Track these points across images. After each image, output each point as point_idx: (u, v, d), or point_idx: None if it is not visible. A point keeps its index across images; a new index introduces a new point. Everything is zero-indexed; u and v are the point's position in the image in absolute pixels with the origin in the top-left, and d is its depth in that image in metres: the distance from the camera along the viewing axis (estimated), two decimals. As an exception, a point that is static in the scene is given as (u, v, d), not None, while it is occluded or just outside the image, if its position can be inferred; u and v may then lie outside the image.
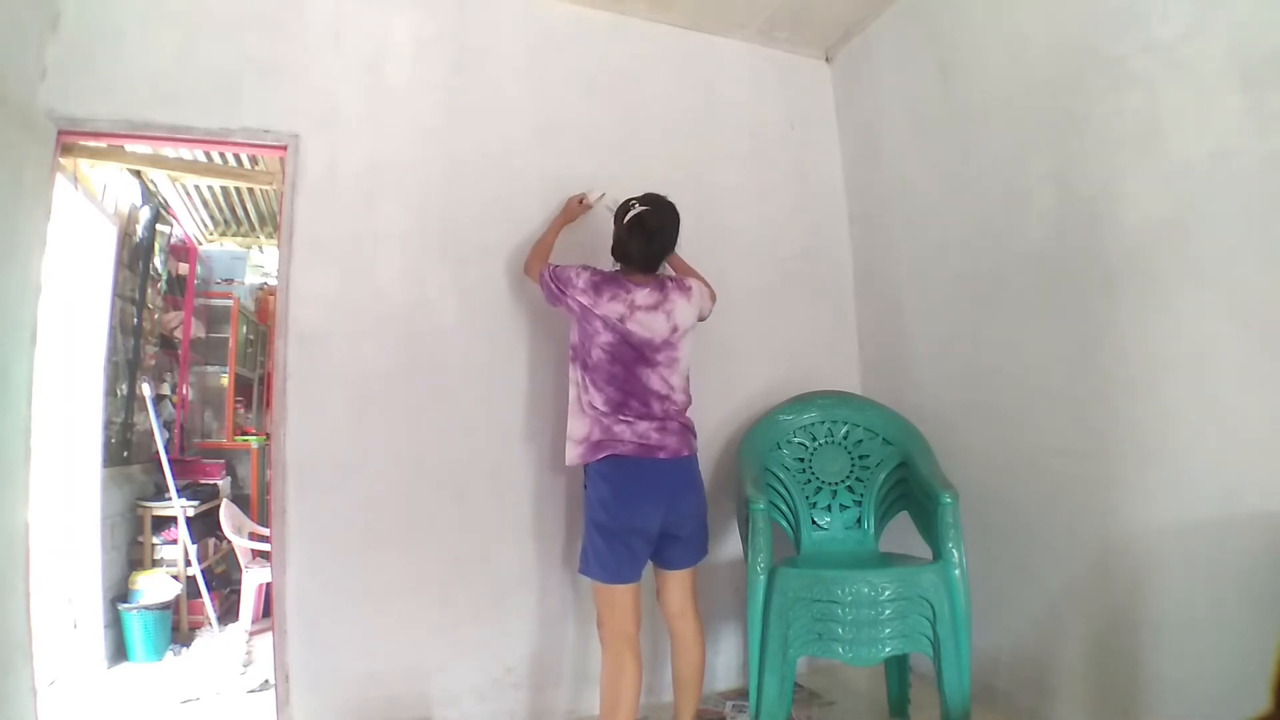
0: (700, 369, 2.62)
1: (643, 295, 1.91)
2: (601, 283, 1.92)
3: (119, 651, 3.10)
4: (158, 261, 3.82)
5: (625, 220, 1.95)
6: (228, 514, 3.55)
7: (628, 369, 1.86)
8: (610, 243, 2.04)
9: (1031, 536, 2.11)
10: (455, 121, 2.43)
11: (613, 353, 1.87)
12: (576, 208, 2.30)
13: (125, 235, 3.35)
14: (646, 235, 1.93)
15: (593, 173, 2.58)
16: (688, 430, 1.93)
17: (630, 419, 1.84)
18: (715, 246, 2.72)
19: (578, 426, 1.90)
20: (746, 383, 2.70)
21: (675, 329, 1.91)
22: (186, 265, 4.32)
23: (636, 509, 1.82)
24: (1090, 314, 1.95)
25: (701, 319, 2.05)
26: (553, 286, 1.99)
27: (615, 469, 1.83)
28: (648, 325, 1.89)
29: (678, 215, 1.99)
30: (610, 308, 1.88)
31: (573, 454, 1.91)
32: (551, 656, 2.31)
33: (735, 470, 2.32)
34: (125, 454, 3.39)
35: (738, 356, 2.68)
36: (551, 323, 2.45)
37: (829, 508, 2.29)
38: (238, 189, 4.20)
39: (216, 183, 3.98)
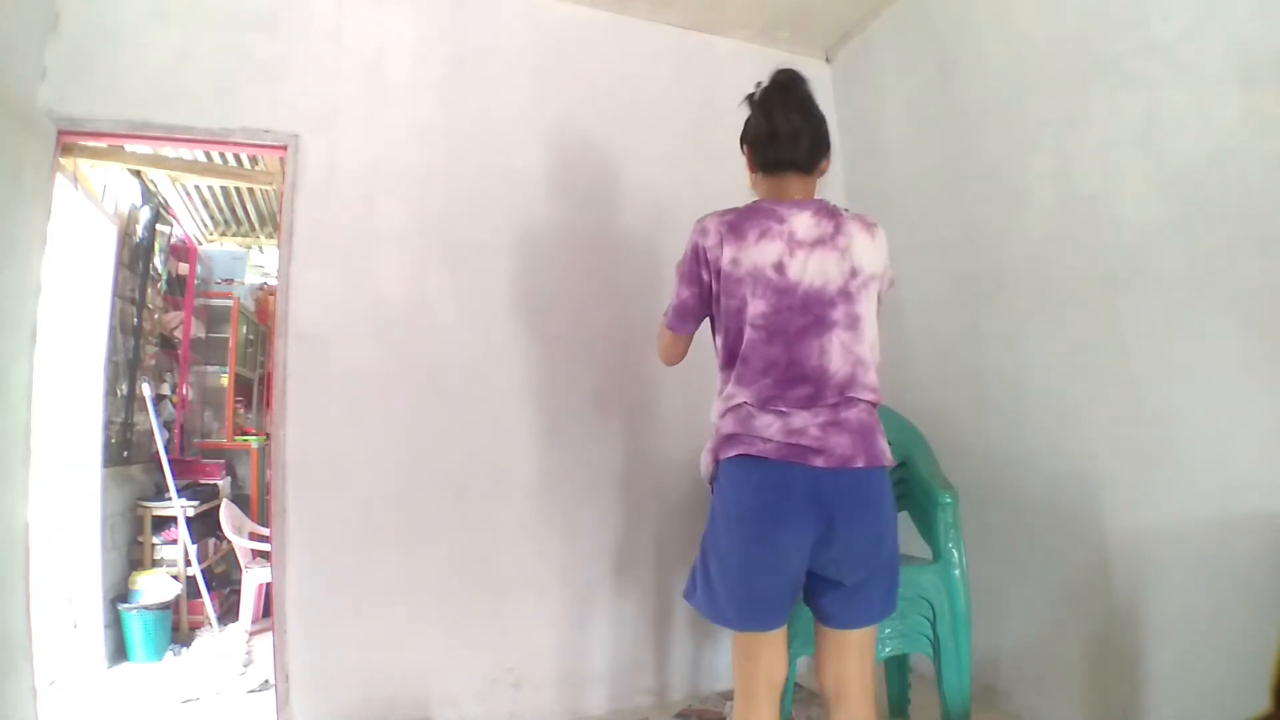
0: (700, 369, 2.62)
1: (804, 223, 1.31)
2: (739, 220, 1.33)
3: (119, 651, 3.10)
4: (158, 261, 3.82)
5: (762, 95, 1.40)
6: (228, 514, 3.55)
7: (790, 344, 1.28)
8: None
9: (1031, 536, 2.11)
10: (455, 121, 2.43)
11: (769, 326, 1.29)
12: None
13: (125, 235, 3.35)
14: (787, 100, 1.37)
15: (593, 173, 2.59)
16: (871, 430, 1.30)
17: (785, 409, 1.27)
18: (715, 246, 2.72)
19: (716, 411, 1.37)
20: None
21: (854, 272, 1.31)
22: (186, 265, 4.32)
23: (768, 536, 1.25)
24: (1090, 314, 1.95)
25: (890, 281, 1.41)
26: (684, 293, 1.42)
27: (746, 474, 1.27)
28: (816, 268, 1.29)
29: None
30: (760, 252, 1.30)
31: (705, 461, 1.38)
32: (551, 656, 2.31)
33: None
34: (125, 454, 3.39)
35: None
36: (550, 323, 2.45)
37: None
38: (238, 189, 4.20)
39: (216, 183, 3.98)
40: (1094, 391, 1.94)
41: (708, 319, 1.44)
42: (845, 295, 1.30)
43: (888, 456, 1.31)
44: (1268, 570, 1.52)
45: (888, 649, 1.81)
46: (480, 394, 2.34)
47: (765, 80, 1.40)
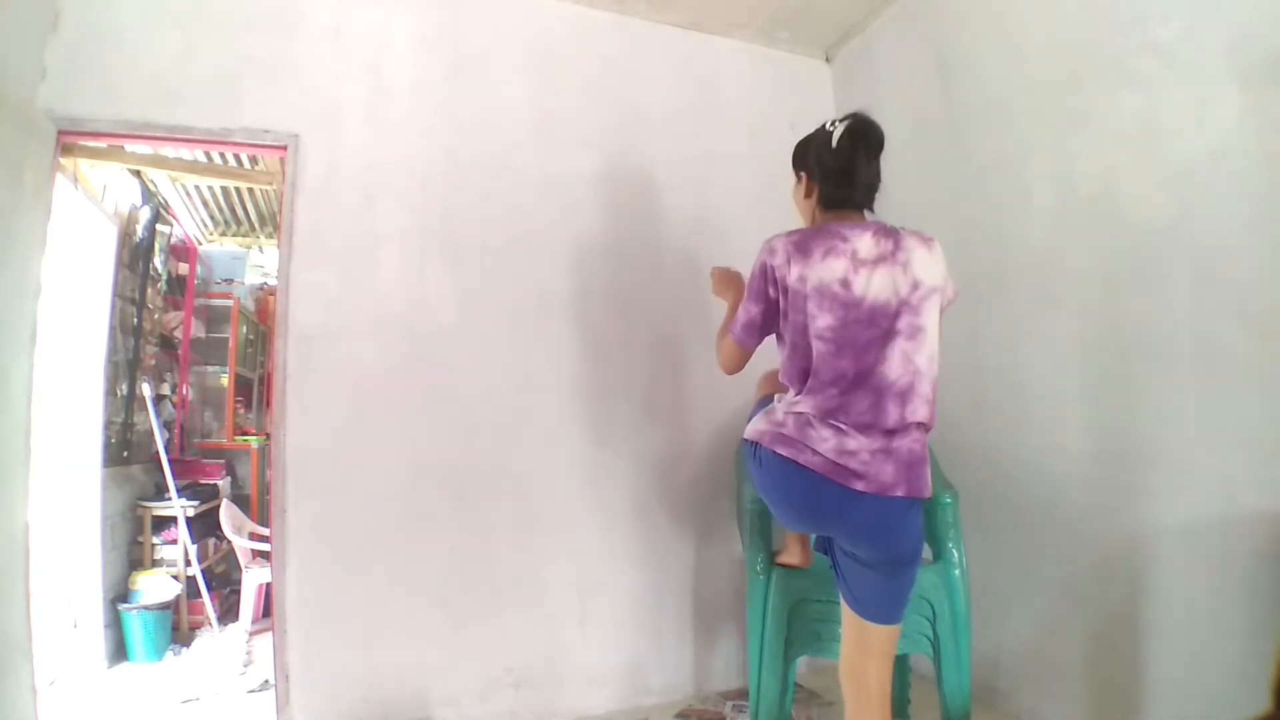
0: (701, 369, 2.63)
1: (866, 243, 1.39)
2: (805, 240, 1.41)
3: (119, 651, 3.10)
4: (158, 261, 3.82)
5: (836, 138, 1.44)
6: (228, 514, 3.55)
7: (858, 356, 1.34)
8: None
9: (1031, 536, 2.11)
10: (455, 121, 2.43)
11: (838, 339, 1.35)
12: (726, 278, 1.79)
13: (125, 235, 3.35)
14: (869, 149, 1.44)
15: (593, 173, 2.59)
16: (920, 463, 1.36)
17: (844, 426, 1.34)
18: (715, 247, 2.72)
19: (776, 415, 1.44)
20: (746, 382, 2.69)
21: (916, 285, 1.37)
22: (186, 265, 4.32)
23: (795, 521, 1.52)
24: (1090, 314, 1.95)
25: (947, 298, 1.44)
26: (753, 309, 1.48)
27: (786, 476, 1.39)
28: (880, 284, 1.36)
29: None
30: (826, 269, 1.36)
31: (752, 428, 1.49)
32: (551, 656, 2.31)
33: (735, 471, 2.32)
34: (125, 454, 3.39)
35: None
36: (550, 323, 2.45)
37: (829, 508, 2.28)
38: (238, 189, 4.20)
39: (216, 183, 3.98)
40: (1094, 391, 1.94)
41: (774, 326, 1.50)
42: (909, 307, 1.36)
43: (928, 489, 1.38)
44: (1267, 570, 1.52)
45: (888, 649, 1.80)
46: (480, 394, 2.34)
47: (845, 121, 1.46)
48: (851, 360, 1.35)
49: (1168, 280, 1.75)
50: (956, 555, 1.86)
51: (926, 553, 1.96)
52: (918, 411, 1.34)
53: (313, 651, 2.06)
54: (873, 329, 1.35)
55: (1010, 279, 2.21)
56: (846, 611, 1.47)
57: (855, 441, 1.33)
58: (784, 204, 2.67)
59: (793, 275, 1.39)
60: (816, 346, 1.37)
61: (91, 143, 2.56)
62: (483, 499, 2.30)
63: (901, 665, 2.14)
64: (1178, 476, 1.73)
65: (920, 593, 1.82)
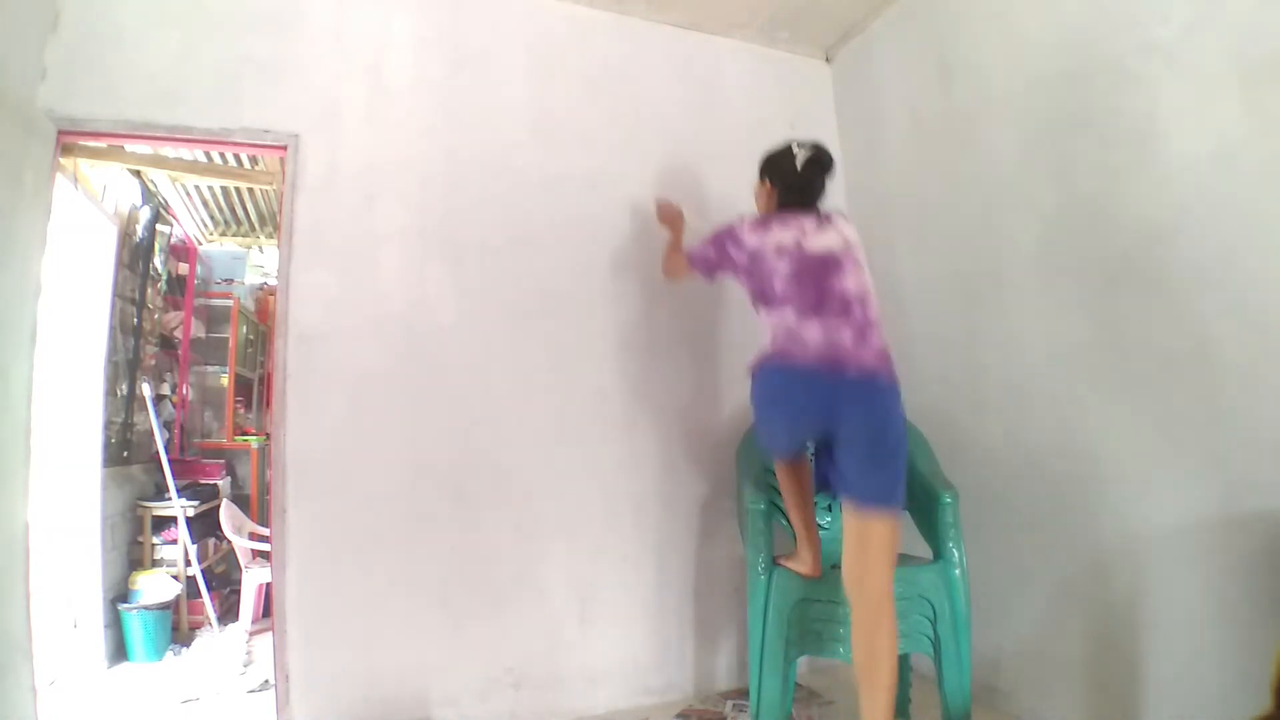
0: (701, 369, 2.64)
1: (809, 222, 1.87)
2: (765, 219, 1.92)
3: (119, 651, 3.10)
4: (158, 261, 3.82)
5: (799, 162, 1.93)
6: (228, 514, 3.55)
7: (819, 281, 1.77)
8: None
9: (1031, 536, 2.11)
10: (455, 121, 2.43)
11: (797, 275, 1.79)
12: (670, 210, 2.34)
13: (125, 235, 3.35)
14: (823, 170, 1.95)
15: (593, 172, 2.59)
16: (887, 357, 1.73)
17: (825, 317, 1.72)
18: (715, 246, 2.72)
19: (768, 329, 1.84)
20: (747, 382, 2.70)
21: (848, 243, 1.84)
22: (186, 265, 4.32)
23: (790, 416, 1.78)
24: (1090, 314, 1.95)
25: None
26: (710, 253, 1.98)
27: (787, 377, 1.75)
28: (822, 240, 1.83)
29: None
30: (782, 235, 1.84)
31: (753, 361, 1.87)
32: (551, 656, 2.31)
33: (735, 471, 2.32)
34: (125, 454, 3.39)
35: (738, 356, 2.68)
36: (550, 323, 2.45)
37: (829, 508, 2.29)
38: (238, 189, 4.20)
39: (216, 183, 3.98)
40: (1094, 391, 1.94)
41: (729, 272, 1.98)
42: (848, 254, 1.83)
43: (897, 380, 1.73)
44: (1268, 570, 1.52)
45: (888, 649, 1.80)
46: (480, 394, 2.34)
47: (806, 149, 1.94)
48: (813, 284, 1.77)
49: (1168, 280, 1.75)
50: (957, 555, 1.87)
51: (927, 552, 1.97)
52: (874, 318, 1.75)
53: (313, 651, 2.06)
54: (824, 265, 1.79)
55: (1010, 279, 2.21)
56: (847, 516, 1.69)
57: (840, 329, 1.71)
58: (784, 204, 2.70)
59: (755, 240, 1.87)
60: (780, 285, 1.80)
61: (91, 143, 2.56)
62: (483, 499, 2.30)
63: (902, 665, 2.14)
64: (1178, 476, 1.73)
65: (921, 592, 1.83)
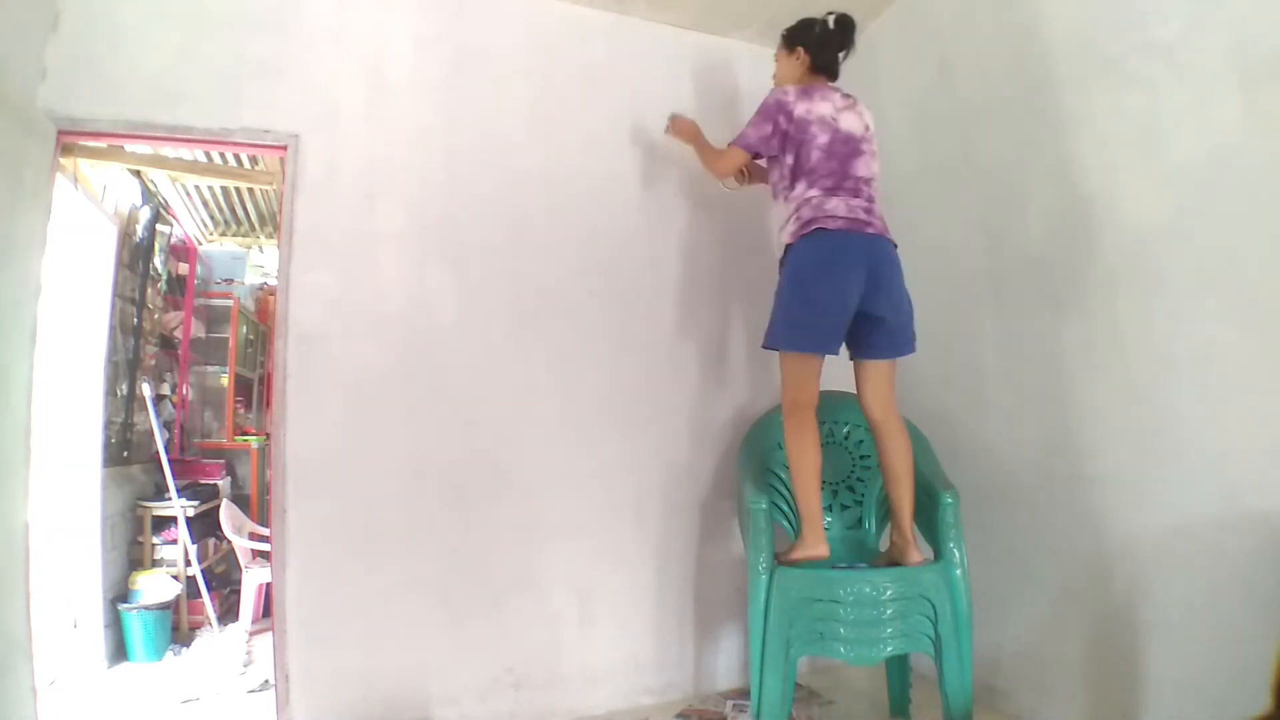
0: (701, 368, 2.64)
1: (838, 98, 2.07)
2: (808, 89, 2.06)
3: (119, 651, 3.11)
4: (158, 261, 3.82)
5: (832, 25, 2.12)
6: (228, 514, 3.55)
7: (843, 162, 1.98)
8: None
9: (1031, 536, 2.11)
10: (455, 121, 2.43)
11: (829, 149, 1.98)
12: (685, 124, 2.40)
13: (125, 235, 3.35)
14: (852, 30, 2.12)
15: (593, 172, 2.59)
16: (886, 225, 2.00)
17: (846, 195, 1.95)
18: (715, 245, 2.72)
19: (785, 213, 2.02)
20: (747, 382, 2.70)
21: (868, 127, 2.08)
22: (186, 265, 4.32)
23: (839, 277, 1.88)
24: (1090, 314, 1.95)
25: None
26: (767, 129, 2.03)
27: (822, 240, 1.91)
28: (849, 121, 2.04)
29: None
30: (822, 107, 2.02)
31: (782, 239, 2.03)
32: (551, 656, 2.31)
33: (735, 470, 2.32)
34: (125, 454, 3.39)
35: (738, 356, 2.69)
36: (550, 323, 2.45)
37: (830, 508, 2.29)
38: (238, 189, 4.20)
39: (216, 183, 3.98)
40: (1094, 391, 1.94)
41: (776, 143, 2.06)
42: (865, 139, 2.06)
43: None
44: (1267, 570, 1.52)
45: (889, 648, 1.81)
46: (480, 394, 2.34)
47: (834, 15, 2.13)
48: (838, 163, 1.98)
49: (1168, 280, 1.75)
50: (957, 555, 1.86)
51: (927, 552, 1.97)
52: (875, 196, 2.02)
53: (313, 651, 2.06)
54: (848, 146, 2.01)
55: (1010, 279, 2.21)
56: (865, 367, 2.01)
57: (858, 201, 1.95)
58: (784, 204, 2.70)
59: (802, 109, 2.01)
60: (814, 155, 1.98)
61: (91, 143, 2.56)
62: (483, 499, 2.30)
63: (902, 665, 2.14)
64: (1177, 476, 1.73)
65: (921, 592, 1.82)
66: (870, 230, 1.92)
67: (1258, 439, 1.57)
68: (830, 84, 2.13)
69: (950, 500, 1.91)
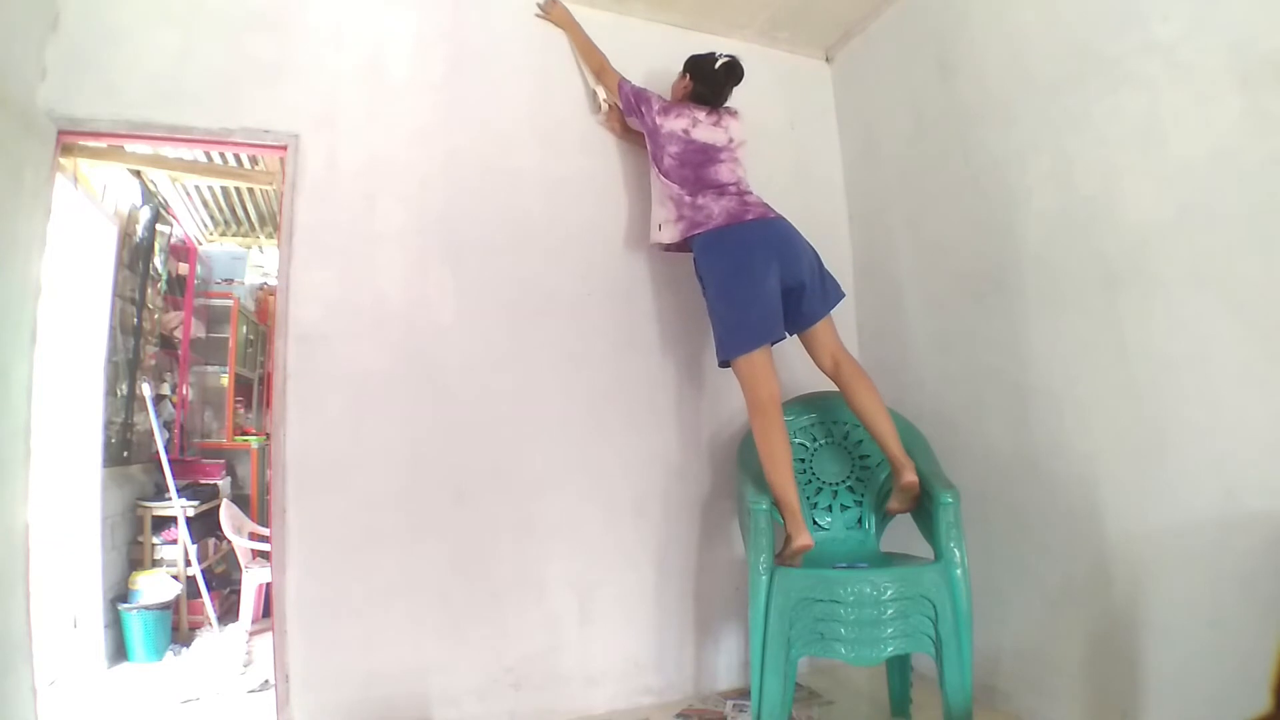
0: (701, 368, 2.63)
1: (703, 114, 2.34)
2: (669, 106, 2.35)
3: (119, 651, 3.11)
4: (158, 261, 3.82)
5: (717, 66, 2.35)
6: (228, 514, 3.55)
7: (696, 170, 2.25)
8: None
9: (1031, 536, 2.11)
10: (455, 121, 2.43)
11: (680, 158, 2.26)
12: (557, 9, 2.60)
13: (125, 235, 3.35)
14: (735, 79, 2.37)
15: (593, 172, 2.59)
16: (766, 204, 2.21)
17: (711, 197, 2.19)
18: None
19: (665, 212, 2.27)
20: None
21: (731, 140, 2.33)
22: (186, 265, 4.32)
23: (753, 267, 2.05)
24: (1090, 314, 1.95)
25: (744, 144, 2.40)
26: (631, 100, 2.37)
27: (716, 239, 2.14)
28: (709, 134, 2.30)
29: None
30: (676, 123, 2.30)
31: (665, 234, 2.27)
32: (551, 656, 2.31)
33: (735, 471, 2.32)
34: (125, 454, 3.39)
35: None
36: (550, 323, 2.45)
37: (830, 508, 2.29)
38: (238, 189, 4.20)
39: (216, 183, 3.98)
40: (1094, 391, 1.94)
41: (635, 121, 2.41)
42: (728, 150, 2.32)
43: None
44: (1268, 570, 1.52)
45: (890, 648, 1.80)
46: (480, 394, 2.33)
47: (725, 58, 2.36)
48: (691, 170, 2.25)
49: (1167, 280, 1.75)
50: (958, 555, 1.86)
51: (927, 552, 1.97)
52: (746, 190, 2.26)
53: (313, 651, 2.06)
54: (704, 154, 2.28)
55: (1010, 279, 2.21)
56: (809, 333, 2.18)
57: (724, 202, 2.19)
58: (784, 203, 2.71)
59: (659, 120, 2.32)
60: (666, 161, 2.28)
61: (91, 143, 2.56)
62: (483, 499, 2.29)
63: (903, 665, 2.14)
64: (1177, 477, 1.73)
65: (922, 592, 1.82)
66: (750, 216, 2.13)
67: (1258, 439, 1.57)
68: (704, 106, 2.37)
69: (950, 500, 1.91)
